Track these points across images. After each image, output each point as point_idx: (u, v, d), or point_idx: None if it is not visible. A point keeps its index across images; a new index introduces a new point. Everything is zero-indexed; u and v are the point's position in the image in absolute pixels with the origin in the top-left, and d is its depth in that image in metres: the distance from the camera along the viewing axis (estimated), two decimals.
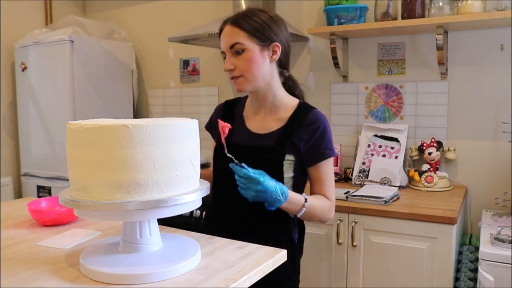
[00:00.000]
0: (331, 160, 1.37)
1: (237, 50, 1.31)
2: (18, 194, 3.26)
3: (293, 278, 1.44)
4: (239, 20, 1.31)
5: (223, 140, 1.18)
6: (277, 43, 1.34)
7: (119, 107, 3.23)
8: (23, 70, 3.04)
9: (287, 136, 1.34)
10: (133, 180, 0.91)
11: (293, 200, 1.26)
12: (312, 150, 1.34)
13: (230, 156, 1.16)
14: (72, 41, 2.83)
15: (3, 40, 3.13)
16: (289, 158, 1.33)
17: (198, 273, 0.97)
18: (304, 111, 1.38)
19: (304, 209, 1.29)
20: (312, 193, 1.38)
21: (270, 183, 1.19)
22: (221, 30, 1.36)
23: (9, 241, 1.22)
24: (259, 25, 1.31)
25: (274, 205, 1.22)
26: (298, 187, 1.37)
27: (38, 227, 1.35)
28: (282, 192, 1.21)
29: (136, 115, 3.42)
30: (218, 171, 1.42)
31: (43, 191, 3.04)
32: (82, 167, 0.94)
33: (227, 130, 1.18)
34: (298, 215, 1.30)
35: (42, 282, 0.93)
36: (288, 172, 1.34)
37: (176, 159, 0.95)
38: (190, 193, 0.97)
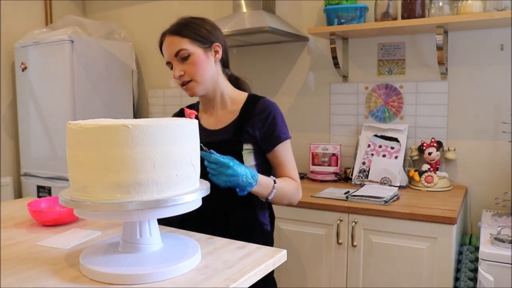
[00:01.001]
0: (287, 143, 1.42)
1: (182, 57, 1.36)
2: (18, 194, 3.26)
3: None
4: (178, 29, 1.37)
5: None
6: (217, 43, 1.41)
7: (119, 107, 3.23)
8: (23, 70, 3.04)
9: (241, 127, 1.39)
10: (133, 180, 0.91)
11: (263, 183, 1.30)
12: (267, 136, 1.39)
13: (200, 144, 1.17)
14: (72, 41, 2.83)
15: (3, 40, 3.13)
16: (247, 147, 1.38)
17: (198, 273, 0.97)
18: (253, 101, 1.43)
19: (274, 190, 1.33)
20: (276, 177, 1.40)
21: (240, 167, 1.22)
22: (161, 43, 1.42)
23: (9, 241, 1.22)
24: (197, 30, 1.37)
25: (246, 190, 1.25)
26: (264, 175, 1.39)
27: (38, 227, 1.35)
28: (252, 176, 1.25)
29: (136, 115, 3.42)
30: None
31: (43, 191, 3.04)
32: (82, 167, 0.94)
33: (193, 117, 1.21)
34: (269, 198, 1.34)
35: (42, 282, 0.93)
36: (250, 161, 1.38)
37: (176, 159, 0.95)
38: (190, 193, 0.97)
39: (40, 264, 1.03)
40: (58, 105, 2.91)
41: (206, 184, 1.06)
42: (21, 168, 3.18)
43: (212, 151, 1.20)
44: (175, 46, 1.36)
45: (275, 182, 1.34)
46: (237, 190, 1.25)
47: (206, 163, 1.20)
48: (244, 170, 1.23)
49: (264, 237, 1.44)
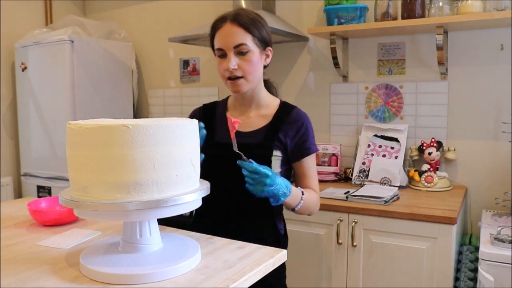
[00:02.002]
0: (314, 155, 1.43)
1: (241, 51, 1.31)
2: (18, 194, 3.26)
3: (280, 273, 1.45)
4: (245, 21, 1.32)
5: (232, 137, 1.18)
6: (270, 48, 1.40)
7: (119, 107, 3.23)
8: (23, 70, 3.04)
9: (274, 133, 1.38)
10: (133, 180, 0.91)
11: (294, 194, 1.30)
12: (298, 146, 1.39)
13: (239, 152, 1.17)
14: (72, 41, 2.83)
15: (3, 40, 3.13)
16: (276, 154, 1.37)
17: (198, 273, 0.97)
18: (286, 109, 1.43)
19: (302, 202, 1.33)
20: (297, 187, 1.40)
21: (277, 177, 1.21)
22: (217, 27, 1.36)
23: (9, 241, 1.22)
24: (261, 30, 1.35)
25: (280, 200, 1.24)
26: None
27: (38, 227, 1.35)
28: (286, 186, 1.25)
29: (136, 115, 3.42)
30: (207, 168, 1.43)
31: (43, 191, 3.04)
32: (82, 167, 0.94)
33: (237, 126, 1.19)
34: (296, 209, 1.34)
35: (42, 282, 0.93)
36: (275, 168, 1.37)
37: (176, 159, 0.95)
38: (190, 193, 0.97)
39: (40, 264, 1.03)
40: (58, 105, 2.91)
41: (206, 184, 1.06)
42: (21, 168, 3.18)
43: (251, 160, 1.18)
44: (238, 38, 1.31)
45: (303, 194, 1.33)
46: (271, 200, 1.23)
47: (245, 172, 1.18)
48: (280, 181, 1.22)
49: (280, 240, 1.43)
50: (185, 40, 2.68)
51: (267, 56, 1.40)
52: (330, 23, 2.41)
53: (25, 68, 3.02)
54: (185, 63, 3.22)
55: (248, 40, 1.32)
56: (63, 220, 1.37)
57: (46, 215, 1.36)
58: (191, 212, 2.30)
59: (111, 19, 3.48)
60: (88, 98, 2.97)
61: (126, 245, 1.02)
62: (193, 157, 1.01)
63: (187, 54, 3.19)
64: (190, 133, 1.00)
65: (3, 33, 3.12)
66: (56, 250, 1.13)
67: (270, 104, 1.44)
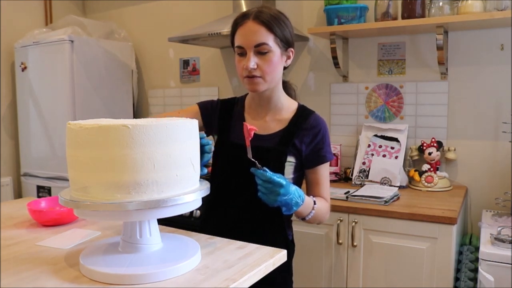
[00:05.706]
0: (328, 163, 1.40)
1: (262, 51, 1.28)
2: (18, 194, 3.26)
3: (287, 279, 1.44)
4: (268, 21, 1.28)
5: (247, 144, 1.15)
6: (292, 49, 1.37)
7: (119, 107, 3.23)
8: (23, 70, 3.04)
9: (289, 138, 1.35)
10: (133, 180, 0.90)
11: (306, 203, 1.27)
12: (313, 153, 1.36)
13: (254, 160, 1.14)
14: (72, 41, 2.84)
15: (3, 40, 3.13)
16: (290, 160, 1.34)
17: (198, 273, 0.97)
18: (304, 114, 1.39)
19: (313, 211, 1.30)
20: (308, 194, 1.38)
21: (290, 186, 1.18)
22: (239, 24, 1.31)
23: (9, 241, 1.22)
24: (284, 30, 1.32)
25: (292, 209, 1.21)
26: None
27: (38, 227, 1.35)
28: (299, 195, 1.22)
29: (136, 115, 3.42)
30: (220, 171, 1.42)
31: (43, 191, 3.04)
32: (82, 167, 0.93)
33: (252, 133, 1.15)
34: (307, 218, 1.31)
35: (42, 282, 0.93)
36: (289, 174, 1.35)
37: (176, 159, 0.95)
38: (190, 193, 0.97)
39: (40, 264, 1.03)
40: (58, 105, 2.91)
41: (206, 184, 1.06)
42: (21, 168, 3.18)
43: (265, 168, 1.15)
44: (259, 37, 1.27)
45: (315, 203, 1.30)
46: (283, 209, 1.20)
47: (258, 181, 1.15)
48: (294, 190, 1.19)
49: (288, 246, 1.41)
50: (185, 40, 2.68)
51: (288, 57, 1.36)
52: (330, 23, 2.41)
53: (25, 68, 3.02)
54: (185, 63, 3.22)
55: (270, 40, 1.28)
56: (63, 220, 1.37)
57: (46, 215, 1.36)
58: (191, 212, 2.31)
59: (111, 19, 3.48)
60: (88, 98, 2.97)
61: (126, 245, 1.02)
62: (193, 157, 1.01)
63: (187, 54, 3.19)
64: (190, 133, 1.00)
65: (3, 33, 3.12)
66: (56, 250, 1.13)
67: (287, 107, 1.41)
